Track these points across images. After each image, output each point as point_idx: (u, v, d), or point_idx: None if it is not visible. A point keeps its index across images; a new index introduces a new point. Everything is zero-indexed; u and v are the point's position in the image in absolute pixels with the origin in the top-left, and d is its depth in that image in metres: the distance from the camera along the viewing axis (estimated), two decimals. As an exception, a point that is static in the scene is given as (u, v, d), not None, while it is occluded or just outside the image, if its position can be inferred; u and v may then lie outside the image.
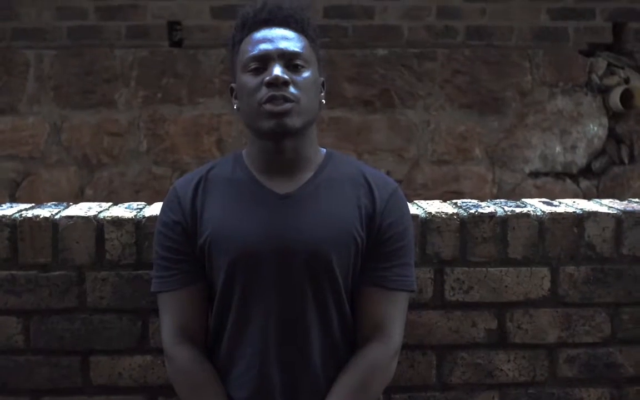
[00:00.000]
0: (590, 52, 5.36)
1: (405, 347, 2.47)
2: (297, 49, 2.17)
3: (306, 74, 2.17)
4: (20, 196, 5.17)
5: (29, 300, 2.49)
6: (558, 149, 5.33)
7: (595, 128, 5.35)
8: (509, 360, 2.57)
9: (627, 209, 2.61)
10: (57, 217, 2.49)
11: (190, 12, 5.20)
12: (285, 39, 2.18)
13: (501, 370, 2.57)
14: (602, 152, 5.37)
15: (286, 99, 2.10)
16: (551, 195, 5.04)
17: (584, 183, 5.35)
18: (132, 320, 2.50)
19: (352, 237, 2.15)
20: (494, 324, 2.56)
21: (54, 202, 2.72)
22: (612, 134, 5.37)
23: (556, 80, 5.31)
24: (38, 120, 5.20)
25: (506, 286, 2.55)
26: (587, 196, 5.19)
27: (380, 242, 2.19)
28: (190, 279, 2.21)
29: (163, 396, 2.51)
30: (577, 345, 2.59)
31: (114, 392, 2.52)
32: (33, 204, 2.67)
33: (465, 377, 2.57)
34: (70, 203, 2.70)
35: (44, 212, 2.53)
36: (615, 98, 5.23)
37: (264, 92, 2.11)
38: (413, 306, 2.49)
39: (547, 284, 2.56)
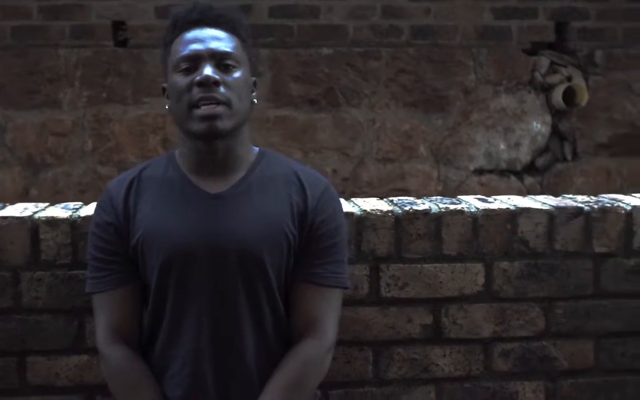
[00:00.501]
0: (533, 50, 5.41)
1: (341, 343, 2.50)
2: (228, 49, 2.18)
3: (237, 74, 2.18)
4: (-36, 197, 5.13)
5: (-36, 301, 2.48)
6: (502, 146, 5.38)
7: (539, 126, 5.41)
8: (444, 355, 2.61)
9: (560, 205, 2.66)
10: (-9, 218, 2.49)
11: (134, 12, 5.18)
12: (216, 39, 2.18)
13: (437, 365, 2.61)
14: (545, 149, 5.43)
15: (217, 101, 2.11)
16: (496, 192, 5.12)
17: (528, 180, 5.41)
18: (68, 320, 2.50)
19: (284, 235, 2.17)
20: (429, 320, 2.59)
21: (-7, 202, 2.71)
22: (555, 132, 5.43)
23: (500, 79, 5.36)
24: (-19, 121, 5.17)
25: (441, 282, 2.58)
26: (531, 193, 5.25)
27: (313, 239, 2.21)
28: (123, 279, 2.22)
29: (100, 395, 2.51)
30: (511, 339, 2.63)
31: (51, 392, 2.52)
32: (-32, 205, 2.67)
33: (401, 372, 2.60)
34: (7, 204, 2.69)
35: (-21, 213, 2.52)
36: (558, 96, 5.29)
37: (195, 92, 2.12)
38: (349, 303, 2.51)
39: (481, 280, 2.60)
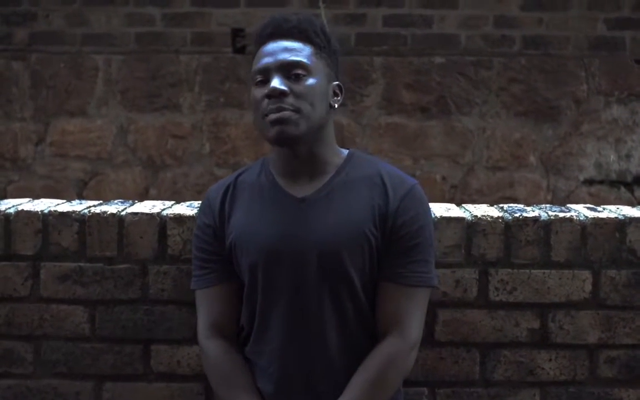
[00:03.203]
0: (646, 61, 5.40)
1: (450, 343, 2.59)
2: (296, 58, 2.24)
3: (308, 82, 2.23)
4: (87, 195, 5.34)
5: (95, 291, 2.63)
6: (612, 157, 5.37)
7: (651, 137, 5.38)
8: (550, 359, 2.64)
9: (669, 215, 2.67)
10: (122, 213, 2.63)
11: (253, 19, 5.32)
12: (287, 50, 2.25)
13: (542, 368, 2.64)
14: (657, 161, 5.40)
15: (284, 109, 2.19)
16: (606, 202, 5.10)
17: (639, 192, 5.37)
18: (190, 312, 2.61)
19: (364, 236, 2.23)
20: (536, 324, 2.63)
21: (120, 199, 2.86)
22: (667, 144, 5.40)
23: (612, 90, 5.35)
24: (106, 123, 5.39)
25: (548, 288, 2.62)
26: (642, 205, 5.23)
27: (395, 239, 2.26)
28: (220, 277, 2.35)
29: (219, 384, 2.63)
30: (617, 346, 2.65)
31: (173, 380, 2.65)
32: (101, 201, 2.82)
33: (507, 374, 2.64)
34: (136, 200, 2.84)
35: (111, 208, 2.67)
36: (670, 108, 5.26)
37: (266, 104, 2.21)
38: (458, 305, 2.60)
39: (588, 287, 2.62)
